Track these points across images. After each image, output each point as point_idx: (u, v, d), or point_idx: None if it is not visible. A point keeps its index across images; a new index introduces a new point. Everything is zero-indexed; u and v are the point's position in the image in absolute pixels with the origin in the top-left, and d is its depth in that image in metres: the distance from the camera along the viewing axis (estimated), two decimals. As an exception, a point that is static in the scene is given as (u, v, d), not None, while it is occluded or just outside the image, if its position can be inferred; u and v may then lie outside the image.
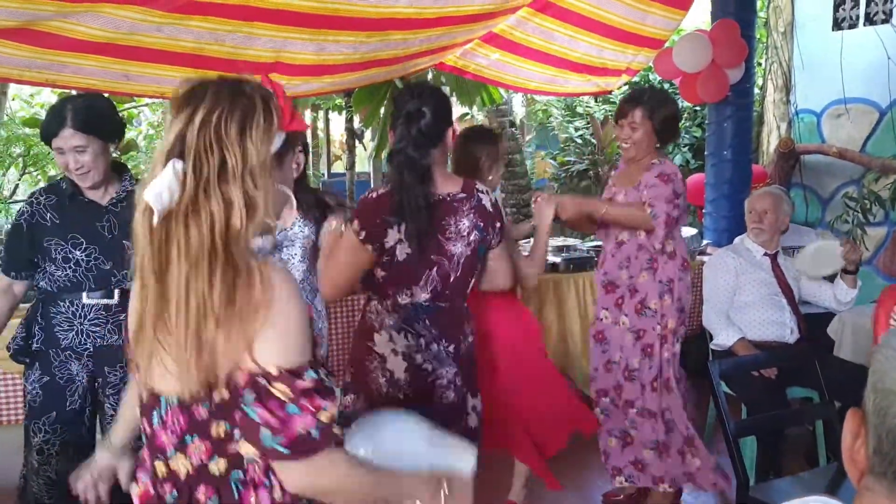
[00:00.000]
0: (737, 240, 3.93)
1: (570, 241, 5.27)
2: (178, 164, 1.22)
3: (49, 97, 7.65)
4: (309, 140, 13.49)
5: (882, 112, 5.45)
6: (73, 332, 2.66)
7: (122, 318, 2.67)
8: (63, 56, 3.51)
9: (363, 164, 12.64)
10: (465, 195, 2.31)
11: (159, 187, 1.20)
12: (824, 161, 5.81)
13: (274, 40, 3.79)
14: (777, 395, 3.40)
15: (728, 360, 3.36)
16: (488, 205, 2.36)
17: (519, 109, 9.81)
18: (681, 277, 3.22)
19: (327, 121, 13.39)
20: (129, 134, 7.53)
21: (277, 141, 1.30)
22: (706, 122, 5.38)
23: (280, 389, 1.21)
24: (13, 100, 8.12)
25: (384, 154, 6.25)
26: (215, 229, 1.21)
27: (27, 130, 7.20)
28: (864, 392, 0.85)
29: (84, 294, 2.65)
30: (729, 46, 4.71)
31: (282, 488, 1.29)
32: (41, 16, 3.08)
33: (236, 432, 1.27)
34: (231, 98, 1.25)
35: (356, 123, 7.64)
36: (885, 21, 5.29)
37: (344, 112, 7.47)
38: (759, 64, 6.47)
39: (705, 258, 4.65)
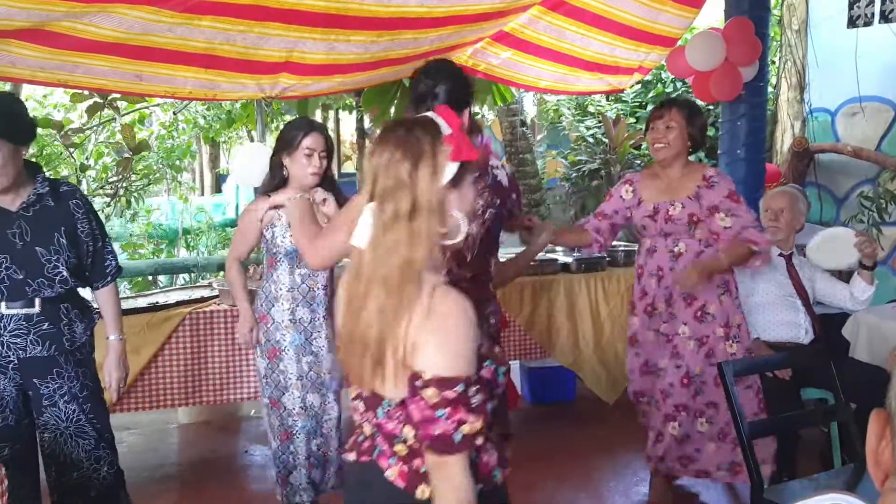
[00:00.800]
0: None
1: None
2: (372, 206, 1.48)
3: (62, 98, 7.67)
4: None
5: (897, 110, 5.41)
6: None
7: (46, 327, 2.60)
8: (75, 56, 3.52)
9: (374, 164, 12.64)
10: (478, 174, 2.23)
11: (363, 227, 1.48)
12: (839, 160, 5.77)
13: (285, 40, 3.79)
14: (791, 396, 3.38)
15: (742, 360, 3.33)
16: (504, 180, 2.33)
17: (530, 108, 9.78)
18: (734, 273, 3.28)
19: (337, 120, 13.40)
20: (141, 134, 7.54)
21: (449, 172, 1.49)
22: (719, 120, 5.34)
23: (428, 394, 1.40)
24: (26, 100, 8.14)
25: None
26: (395, 260, 1.44)
27: (40, 131, 7.22)
28: (885, 393, 0.83)
29: (2, 304, 2.54)
30: (742, 44, 4.67)
31: (499, 449, 1.60)
32: (53, 16, 3.09)
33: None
34: (404, 144, 1.47)
35: (366, 123, 7.62)
36: (901, 18, 5.24)
37: (354, 112, 7.46)
38: (773, 62, 6.42)
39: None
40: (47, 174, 2.71)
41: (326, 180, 3.10)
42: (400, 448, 1.53)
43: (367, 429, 1.60)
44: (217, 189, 12.82)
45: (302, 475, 3.10)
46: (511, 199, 2.35)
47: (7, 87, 6.50)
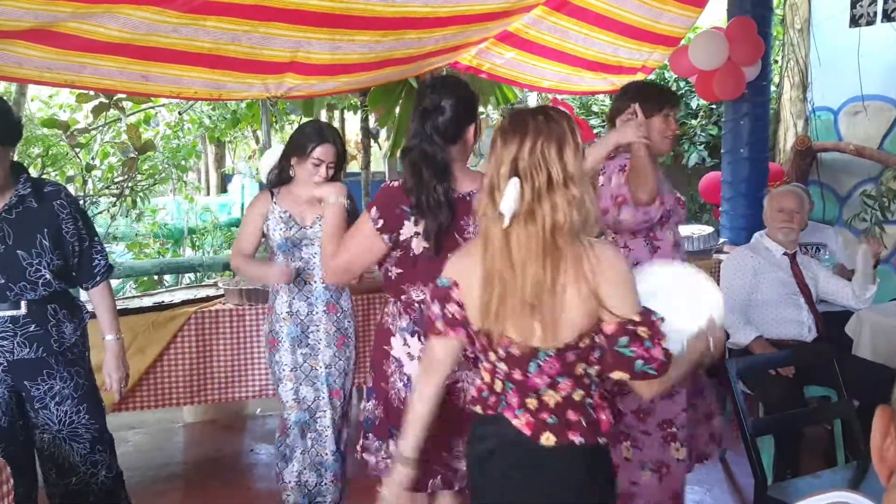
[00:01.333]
0: (755, 238, 3.90)
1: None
2: (516, 181, 1.67)
3: (68, 98, 7.69)
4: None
5: (900, 109, 5.41)
6: None
7: (33, 329, 2.56)
8: (82, 57, 3.54)
9: (378, 164, 12.65)
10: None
11: (508, 200, 1.66)
12: (841, 159, 5.78)
13: (290, 40, 3.81)
14: (795, 393, 3.39)
15: (745, 358, 3.34)
16: None
17: (534, 108, 9.78)
18: None
19: (342, 120, 13.40)
20: (147, 134, 7.56)
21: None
22: (722, 119, 5.36)
23: (643, 330, 1.67)
24: (32, 101, 8.18)
25: (399, 153, 6.28)
26: (545, 226, 1.66)
27: (46, 131, 7.26)
28: (889, 390, 0.84)
29: None
30: (745, 44, 4.68)
31: (611, 407, 1.80)
32: (59, 17, 3.11)
33: (591, 370, 1.75)
34: (547, 127, 1.70)
35: (371, 123, 7.64)
36: (904, 17, 5.25)
37: (359, 111, 7.47)
38: (776, 61, 6.43)
39: (722, 256, 4.63)
40: (53, 175, 2.68)
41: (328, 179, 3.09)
42: (531, 401, 1.76)
43: (498, 385, 1.80)
44: (222, 189, 12.85)
45: (293, 471, 3.08)
46: None
47: (13, 87, 6.54)
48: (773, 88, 5.69)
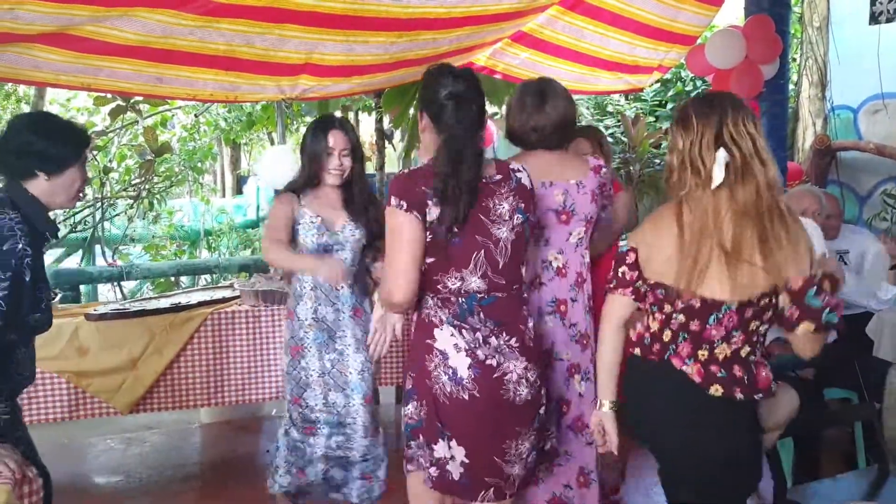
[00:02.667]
0: None
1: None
2: (723, 153, 1.94)
3: (85, 101, 7.75)
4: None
5: (921, 107, 5.36)
6: None
7: None
8: (98, 60, 3.56)
9: (393, 165, 12.66)
10: (500, 177, 2.23)
11: (720, 167, 1.94)
12: (861, 158, 5.72)
13: (304, 42, 3.81)
14: (815, 396, 3.35)
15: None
16: (528, 182, 2.29)
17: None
18: None
19: (357, 121, 13.42)
20: (163, 137, 7.60)
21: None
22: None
23: (825, 284, 1.92)
24: (50, 104, 8.24)
25: (414, 153, 6.27)
26: (761, 184, 1.94)
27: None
28: None
29: None
30: (763, 42, 4.63)
31: (767, 366, 2.05)
32: (76, 21, 3.12)
33: (762, 327, 2.01)
34: (741, 105, 2.01)
35: (386, 124, 7.64)
36: (924, 14, 5.19)
37: (374, 113, 7.47)
38: (794, 59, 6.38)
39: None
40: None
41: (354, 181, 3.08)
42: (703, 353, 2.01)
43: (668, 335, 2.05)
44: (238, 191, 12.89)
45: (318, 470, 3.09)
46: (534, 202, 2.33)
47: (32, 90, 6.59)
48: (791, 87, 5.64)
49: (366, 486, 3.15)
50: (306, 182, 3.06)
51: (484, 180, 2.20)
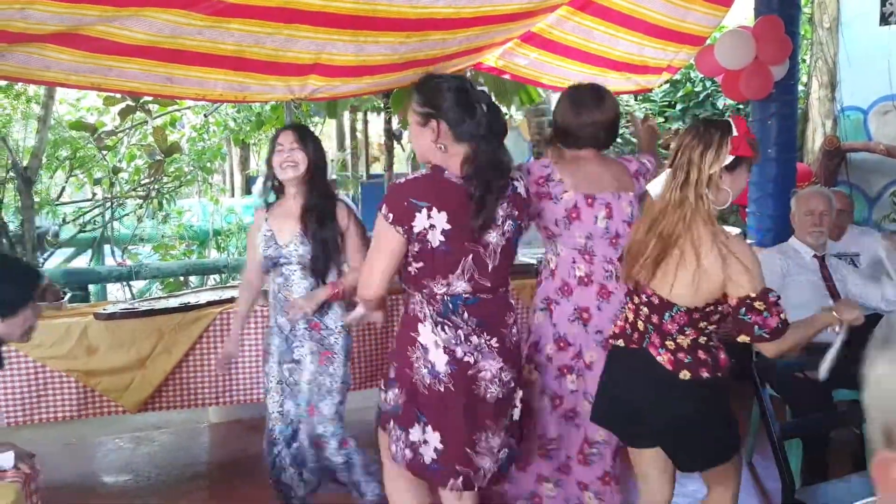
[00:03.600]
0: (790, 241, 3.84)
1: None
2: (668, 172, 2.29)
3: (95, 101, 7.78)
4: (348, 141, 13.49)
5: (931, 108, 5.33)
6: None
7: None
8: (108, 60, 3.57)
9: (401, 165, 12.67)
10: (502, 185, 2.32)
11: (657, 187, 2.30)
12: (871, 159, 5.70)
13: (314, 42, 3.81)
14: (823, 397, 3.33)
15: (772, 361, 3.30)
16: (523, 192, 2.40)
17: (558, 109, 9.75)
18: None
19: (366, 122, 13.44)
20: (172, 137, 7.62)
21: (727, 160, 2.23)
22: (749, 119, 5.30)
23: (759, 304, 2.16)
24: (60, 104, 8.28)
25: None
26: (686, 213, 2.19)
27: (74, 134, 7.34)
28: None
29: None
30: (772, 43, 4.62)
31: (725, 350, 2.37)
32: (85, 21, 3.13)
33: (710, 327, 2.29)
34: (703, 135, 2.24)
35: (395, 124, 7.65)
36: (935, 15, 5.17)
37: (382, 113, 7.49)
38: (804, 60, 6.36)
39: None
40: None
41: (312, 194, 3.04)
42: (669, 343, 2.28)
43: (641, 325, 2.33)
44: (247, 191, 12.93)
45: (293, 474, 3.11)
46: (529, 210, 2.43)
47: (42, 90, 6.62)
48: (801, 88, 5.62)
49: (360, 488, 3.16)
50: (276, 191, 3.13)
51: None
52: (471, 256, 2.26)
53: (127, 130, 7.34)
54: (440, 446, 2.28)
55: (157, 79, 3.90)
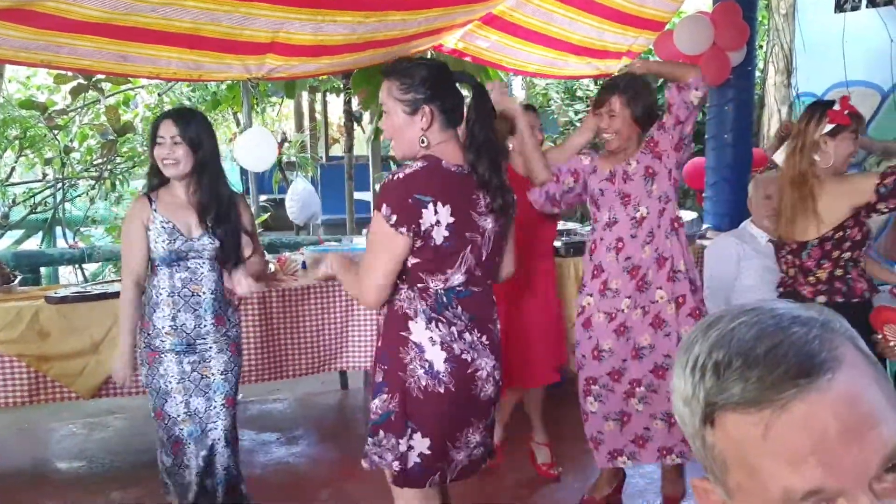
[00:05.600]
0: (742, 226, 3.89)
1: (570, 225, 5.24)
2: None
3: (46, 79, 7.59)
4: (306, 122, 13.34)
5: (884, 95, 5.42)
6: None
7: None
8: (59, 37, 3.47)
9: (362, 147, 12.57)
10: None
11: (780, 156, 3.14)
12: (825, 145, 5.79)
13: (271, 20, 3.75)
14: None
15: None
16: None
17: (518, 93, 9.77)
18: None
19: (325, 103, 13.31)
20: (126, 116, 7.47)
21: (827, 128, 2.85)
22: (707, 105, 5.35)
23: (888, 181, 2.70)
24: (10, 82, 8.06)
25: (383, 137, 6.22)
26: (801, 172, 2.88)
27: (23, 113, 7.15)
28: None
29: None
30: (731, 29, 4.67)
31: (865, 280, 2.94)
32: (36, -5, 3.04)
33: (845, 255, 2.84)
34: (810, 111, 2.98)
35: (354, 106, 7.58)
36: (888, 3, 5.25)
37: (342, 94, 7.41)
38: (761, 47, 6.43)
39: (706, 242, 4.63)
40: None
41: (203, 184, 2.83)
42: (811, 279, 2.89)
43: (791, 272, 3.00)
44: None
45: (194, 491, 2.89)
46: (513, 196, 2.37)
47: (-11, 67, 6.43)
48: (757, 74, 5.68)
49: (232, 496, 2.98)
50: (159, 178, 2.85)
51: (469, 171, 2.20)
52: (469, 248, 2.16)
53: (79, 109, 7.17)
54: (427, 452, 2.17)
55: (110, 57, 3.81)
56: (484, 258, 2.20)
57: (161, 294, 2.82)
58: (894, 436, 0.66)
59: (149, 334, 2.84)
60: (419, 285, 2.17)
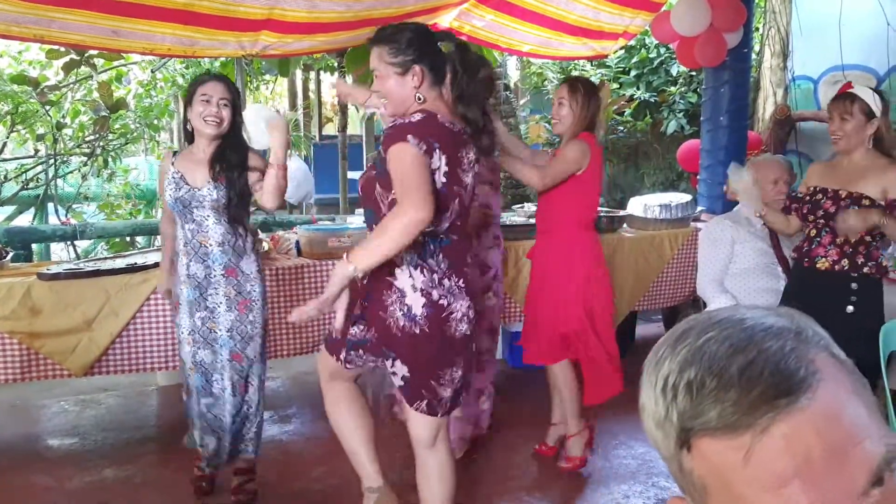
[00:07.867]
0: (736, 208, 3.89)
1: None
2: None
3: (38, 54, 7.52)
4: (300, 101, 13.29)
5: (880, 79, 5.41)
6: None
7: None
8: (51, 11, 3.44)
9: (355, 126, 12.52)
10: (462, 127, 2.37)
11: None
12: (820, 128, 5.78)
13: (266, -3, 3.72)
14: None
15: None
16: None
17: (513, 73, 9.73)
18: None
19: (319, 81, 13.25)
20: (119, 93, 7.41)
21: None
22: (702, 87, 5.33)
23: None
24: (1, 56, 7.99)
25: (376, 116, 6.20)
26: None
27: (15, 88, 7.10)
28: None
29: None
30: (728, 10, 4.65)
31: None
32: (27, -32, 3.01)
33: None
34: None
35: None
36: (886, -14, 5.23)
37: (336, 72, 7.37)
38: (757, 29, 6.41)
39: (700, 225, 4.63)
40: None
41: (228, 140, 2.99)
42: (839, 239, 3.02)
43: (813, 232, 3.12)
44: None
45: (195, 435, 3.14)
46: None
47: (-20, 41, 6.36)
48: (753, 56, 5.66)
49: (236, 447, 3.19)
50: (187, 138, 3.06)
51: (460, 129, 2.33)
52: (457, 199, 2.30)
53: (71, 85, 7.12)
54: (408, 375, 2.35)
55: (103, 32, 3.78)
56: (462, 211, 2.36)
57: (180, 244, 3.03)
58: (879, 449, 0.63)
59: (177, 282, 3.07)
60: None
